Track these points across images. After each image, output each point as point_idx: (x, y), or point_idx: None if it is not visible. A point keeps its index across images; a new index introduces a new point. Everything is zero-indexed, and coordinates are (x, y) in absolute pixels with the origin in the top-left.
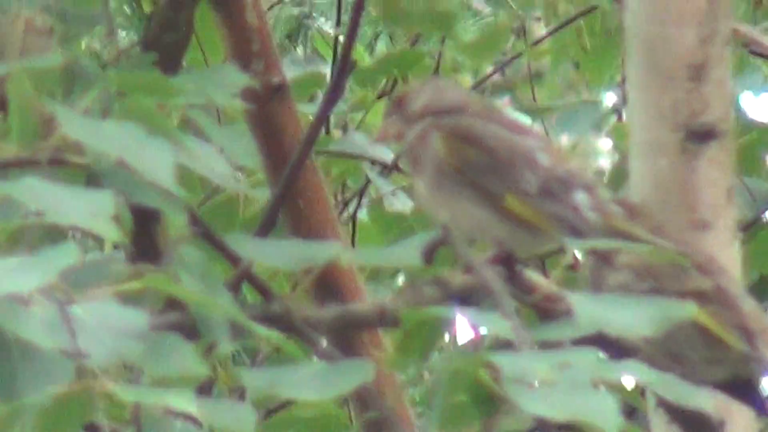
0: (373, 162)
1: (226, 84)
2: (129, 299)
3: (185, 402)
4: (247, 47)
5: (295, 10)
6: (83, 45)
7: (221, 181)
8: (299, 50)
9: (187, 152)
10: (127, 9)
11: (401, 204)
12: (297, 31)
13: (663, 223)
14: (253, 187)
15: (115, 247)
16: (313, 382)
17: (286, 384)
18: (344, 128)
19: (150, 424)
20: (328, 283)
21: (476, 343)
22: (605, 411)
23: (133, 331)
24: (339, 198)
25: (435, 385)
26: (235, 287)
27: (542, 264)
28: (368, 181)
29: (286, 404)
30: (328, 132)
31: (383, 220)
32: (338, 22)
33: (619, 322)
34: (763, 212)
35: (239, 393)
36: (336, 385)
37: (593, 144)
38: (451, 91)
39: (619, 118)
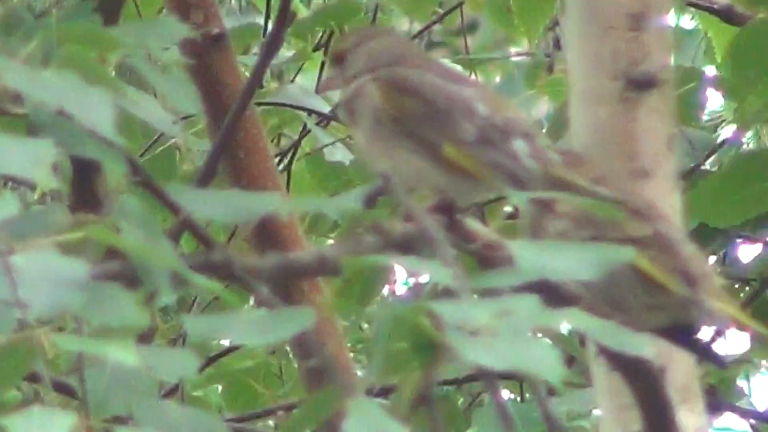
0: (311, 113)
1: (165, 35)
2: (70, 249)
3: (126, 352)
4: None
5: None
6: None
7: (162, 127)
8: (234, 2)
9: (127, 100)
10: None
11: (340, 156)
12: None
13: (604, 171)
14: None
15: (53, 197)
16: (254, 328)
17: (227, 329)
18: (280, 79)
19: (92, 374)
20: (267, 234)
21: (416, 291)
22: (547, 360)
23: (74, 282)
24: (276, 149)
25: (375, 333)
26: (175, 237)
27: (481, 213)
28: (304, 133)
29: (221, 355)
30: (262, 85)
31: (322, 171)
32: None
33: (560, 268)
34: (703, 161)
35: (176, 343)
36: (277, 330)
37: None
38: (389, 42)
39: (551, 69)
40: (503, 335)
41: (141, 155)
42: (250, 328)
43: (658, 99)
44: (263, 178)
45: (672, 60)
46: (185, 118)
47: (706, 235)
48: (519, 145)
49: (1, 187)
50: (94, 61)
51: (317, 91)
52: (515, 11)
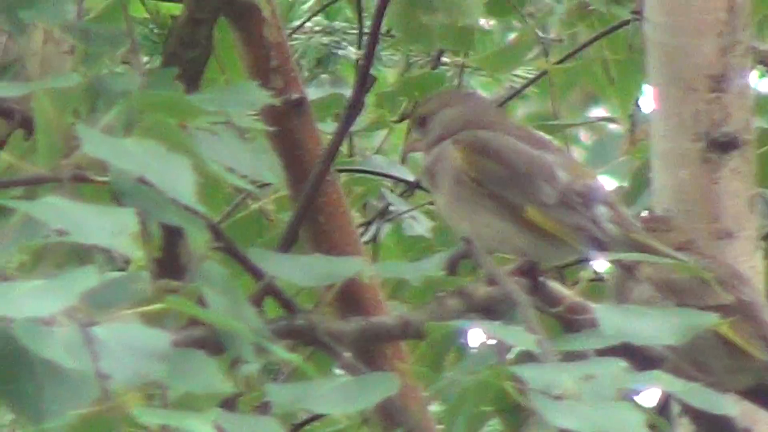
0: (396, 182)
1: (246, 101)
2: (152, 318)
3: (204, 424)
4: (265, 63)
5: (325, 39)
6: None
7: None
8: (326, 77)
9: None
10: (148, 28)
11: (421, 226)
12: (327, 58)
13: (689, 238)
14: (277, 204)
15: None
16: (338, 396)
17: (311, 398)
18: (351, 147)
19: None
20: (350, 299)
21: (500, 352)
22: (631, 423)
23: (156, 352)
24: (361, 218)
25: (458, 397)
26: (258, 301)
27: (561, 276)
28: (388, 203)
29: (310, 421)
30: (351, 155)
31: (403, 241)
32: (360, 45)
33: (644, 333)
34: None
35: (263, 409)
36: (361, 398)
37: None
38: (472, 105)
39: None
40: (587, 399)
41: (223, 220)
42: (335, 396)
43: (740, 160)
44: (344, 243)
45: (753, 121)
46: (264, 185)
47: None
48: (600, 210)
49: (92, 257)
50: (175, 128)
51: (402, 155)
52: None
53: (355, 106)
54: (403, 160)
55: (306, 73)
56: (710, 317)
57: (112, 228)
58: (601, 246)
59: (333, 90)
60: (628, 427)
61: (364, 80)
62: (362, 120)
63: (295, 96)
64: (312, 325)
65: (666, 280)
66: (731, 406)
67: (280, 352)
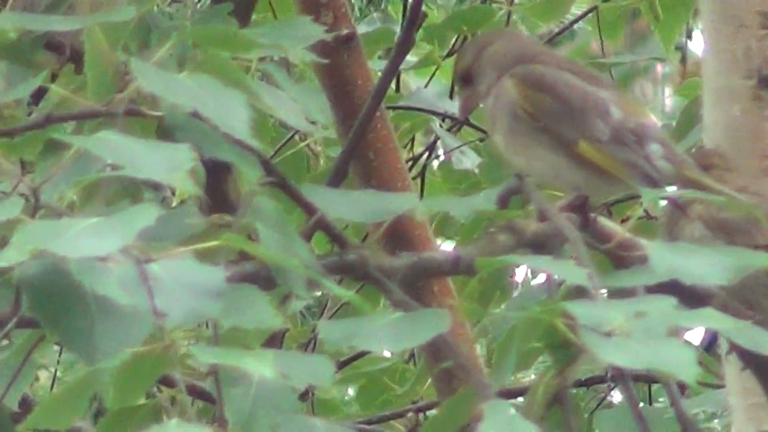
0: (444, 118)
1: (299, 36)
2: (205, 254)
3: (263, 364)
4: None
5: None
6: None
7: (301, 125)
8: (377, 15)
9: (262, 102)
10: None
11: (469, 161)
12: None
13: (740, 171)
14: (324, 142)
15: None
16: (389, 333)
17: (362, 336)
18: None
19: (237, 394)
20: (398, 235)
21: (550, 288)
22: (682, 360)
23: (212, 290)
24: (409, 154)
25: (508, 334)
26: (308, 237)
27: (609, 213)
28: (436, 138)
29: (355, 358)
30: (398, 89)
31: (452, 176)
32: None
33: (695, 271)
34: None
35: (309, 345)
36: (413, 335)
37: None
38: (512, 43)
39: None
40: (637, 336)
41: (271, 157)
42: (386, 333)
43: None
44: (393, 180)
45: None
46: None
47: None
48: (653, 147)
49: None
50: (229, 63)
51: (461, 115)
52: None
53: (404, 43)
54: (465, 121)
55: (358, 12)
56: (762, 257)
57: (168, 163)
58: (654, 183)
59: (380, 24)
60: (680, 364)
61: (415, 16)
62: (411, 56)
63: (345, 31)
64: (363, 261)
65: (717, 219)
66: None
67: (333, 287)
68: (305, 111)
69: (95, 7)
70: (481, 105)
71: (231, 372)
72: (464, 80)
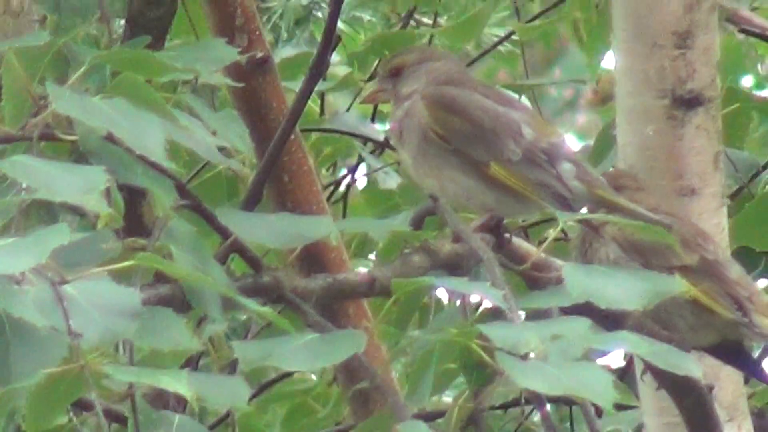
0: (365, 141)
1: (214, 58)
2: (120, 275)
3: (179, 383)
4: (230, 22)
5: (304, 0)
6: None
7: (211, 156)
8: (304, 37)
9: (177, 127)
10: None
11: (393, 182)
12: (305, 19)
13: (650, 191)
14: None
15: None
16: (305, 353)
17: (278, 355)
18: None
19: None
20: (313, 256)
21: (465, 310)
22: (598, 384)
23: (127, 309)
24: (331, 177)
25: (424, 355)
26: (223, 260)
27: (526, 235)
28: (359, 161)
29: (279, 379)
30: (322, 113)
31: (374, 198)
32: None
33: (610, 295)
34: (748, 183)
35: (229, 368)
36: (329, 355)
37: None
38: (448, 64)
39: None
40: (554, 359)
41: (188, 181)
42: (301, 353)
43: (705, 117)
44: (308, 202)
45: (718, 79)
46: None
47: (753, 257)
48: (565, 167)
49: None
50: (144, 86)
51: (362, 101)
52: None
53: (318, 66)
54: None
55: (285, 34)
56: (677, 283)
57: (82, 186)
58: (566, 203)
59: (301, 49)
60: (596, 388)
61: (329, 40)
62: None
63: (260, 54)
64: (278, 283)
65: (631, 241)
66: (695, 366)
67: (252, 305)
68: (226, 139)
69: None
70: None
71: (152, 416)
72: (392, 74)
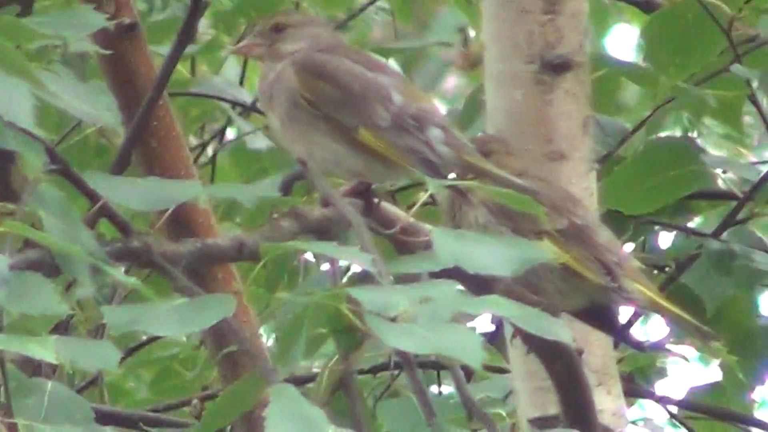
0: (233, 105)
1: (82, 25)
2: None
3: (46, 350)
4: None
5: None
6: None
7: (82, 115)
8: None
9: (46, 91)
10: None
11: (260, 143)
12: None
13: (519, 156)
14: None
15: None
16: (174, 318)
17: (147, 320)
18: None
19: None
20: (182, 221)
21: (334, 275)
22: (468, 344)
23: None
24: (199, 140)
25: (294, 319)
26: (92, 224)
27: (394, 200)
28: (227, 123)
29: (147, 343)
30: (193, 74)
31: (242, 161)
32: None
33: (479, 260)
34: (617, 147)
35: (97, 332)
36: (198, 319)
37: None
38: (325, 30)
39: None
40: (423, 321)
41: (58, 143)
42: (170, 318)
43: (574, 82)
44: (176, 167)
45: (587, 45)
46: None
47: (622, 221)
48: (434, 133)
49: None
50: (12, 52)
51: (233, 51)
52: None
53: (186, 32)
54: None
55: (159, 3)
56: (546, 250)
57: None
58: (434, 168)
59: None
60: (465, 348)
61: (197, 3)
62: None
63: (127, 20)
64: (147, 247)
65: (500, 205)
66: (564, 331)
67: (117, 273)
68: (95, 111)
69: None
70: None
71: (25, 382)
72: (274, 29)
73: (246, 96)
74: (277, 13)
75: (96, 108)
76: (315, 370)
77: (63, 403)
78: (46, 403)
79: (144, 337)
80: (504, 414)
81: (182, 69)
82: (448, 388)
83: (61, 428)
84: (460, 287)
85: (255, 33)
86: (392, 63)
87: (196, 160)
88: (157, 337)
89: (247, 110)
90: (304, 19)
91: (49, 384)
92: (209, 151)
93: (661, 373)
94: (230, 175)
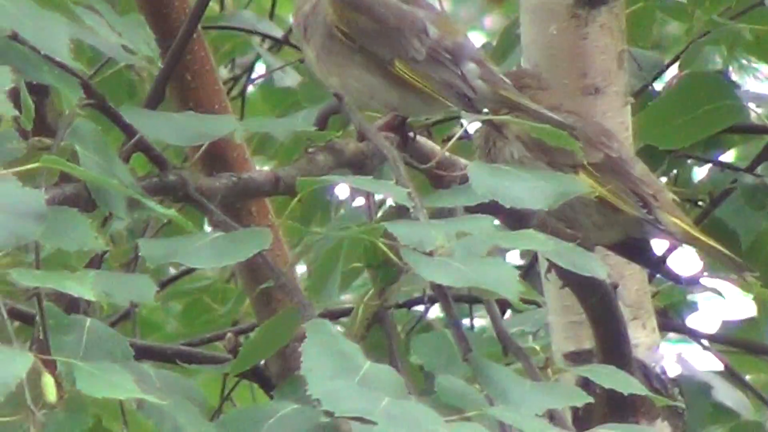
0: (263, 38)
1: None
2: (25, 175)
3: (83, 287)
4: None
5: None
6: None
7: (115, 54)
8: None
9: (82, 26)
10: None
11: (290, 80)
12: None
13: (555, 90)
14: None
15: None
16: (211, 251)
17: (183, 253)
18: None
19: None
20: (216, 155)
21: (370, 208)
22: (504, 277)
23: (32, 211)
24: (229, 74)
25: (329, 253)
26: (128, 158)
27: (429, 134)
28: (257, 57)
29: (178, 277)
30: (222, 8)
31: (272, 95)
32: None
33: (515, 194)
34: (652, 81)
35: (128, 267)
36: (234, 253)
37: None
38: None
39: None
40: (459, 255)
41: (91, 77)
42: (207, 251)
43: (608, 16)
44: (211, 101)
45: None
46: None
47: (656, 155)
48: (469, 67)
49: None
50: None
51: None
52: None
53: None
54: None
55: None
56: (582, 183)
57: None
58: (470, 103)
59: None
60: (502, 281)
61: None
62: None
63: None
64: (183, 182)
65: (535, 139)
66: (600, 266)
67: (155, 206)
68: (132, 43)
69: None
70: (299, 5)
71: (63, 320)
72: None
73: (276, 30)
74: None
75: (134, 42)
76: (347, 305)
77: (102, 340)
78: (84, 341)
79: (173, 272)
80: (538, 348)
81: (213, 3)
82: (480, 321)
83: (101, 365)
84: (496, 221)
85: None
86: None
87: (227, 94)
88: (188, 272)
89: (278, 44)
90: None
91: (88, 321)
92: (241, 84)
93: (692, 307)
94: (261, 108)
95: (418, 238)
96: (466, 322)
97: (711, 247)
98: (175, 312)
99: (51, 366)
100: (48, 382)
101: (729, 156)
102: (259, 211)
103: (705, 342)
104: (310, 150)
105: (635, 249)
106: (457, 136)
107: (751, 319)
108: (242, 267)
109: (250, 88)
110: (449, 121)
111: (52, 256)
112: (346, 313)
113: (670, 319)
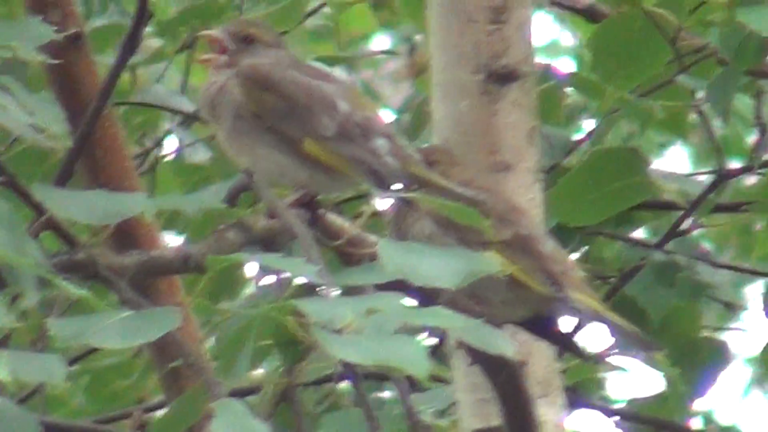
0: (175, 113)
1: (29, 37)
2: None
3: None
4: None
5: None
6: None
7: (26, 133)
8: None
9: None
10: None
11: (201, 155)
12: None
13: (471, 173)
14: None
15: None
16: (120, 330)
17: (93, 332)
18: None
19: None
20: (125, 232)
21: (280, 287)
22: (414, 355)
23: None
24: (139, 148)
25: (239, 331)
26: (37, 235)
27: (339, 211)
28: (166, 133)
29: (84, 355)
30: (135, 84)
31: (183, 171)
32: None
33: (424, 272)
34: (563, 158)
35: (39, 344)
36: (145, 332)
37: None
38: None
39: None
40: (369, 333)
41: (1, 154)
42: (116, 330)
43: (520, 92)
44: (121, 178)
45: (534, 55)
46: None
47: (567, 233)
48: (379, 143)
49: None
50: None
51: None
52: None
53: (131, 41)
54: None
55: (98, 5)
56: (492, 262)
57: None
58: (381, 179)
59: (111, 19)
60: (410, 358)
61: (142, 13)
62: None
63: (72, 30)
64: (92, 259)
65: (446, 216)
66: (507, 344)
67: (66, 285)
68: (43, 121)
69: None
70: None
71: None
72: (243, 40)
73: (188, 104)
74: (251, 23)
75: (45, 120)
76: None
77: (12, 420)
78: None
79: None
80: (444, 425)
81: (123, 76)
82: (388, 393)
83: None
84: (406, 298)
85: (223, 33)
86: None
87: (138, 168)
88: (95, 349)
89: (190, 120)
90: (275, 41)
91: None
92: (151, 159)
93: (601, 385)
94: (172, 183)
95: (328, 315)
96: (379, 394)
97: (620, 325)
98: (82, 386)
99: None
100: None
101: (639, 233)
102: (169, 288)
103: (615, 418)
104: (219, 227)
105: (544, 326)
106: (367, 213)
107: (659, 395)
108: (151, 343)
109: (161, 164)
110: (359, 198)
111: None
112: (254, 391)
113: (580, 396)
